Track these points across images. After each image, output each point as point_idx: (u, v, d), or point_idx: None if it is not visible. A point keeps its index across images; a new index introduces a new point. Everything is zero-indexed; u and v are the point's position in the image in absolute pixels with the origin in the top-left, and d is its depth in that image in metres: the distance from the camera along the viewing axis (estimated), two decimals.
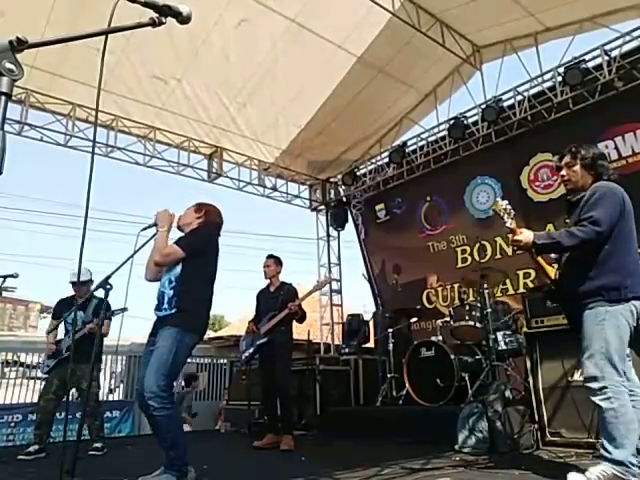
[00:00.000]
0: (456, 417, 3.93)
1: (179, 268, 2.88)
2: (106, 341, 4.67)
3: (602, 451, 2.31)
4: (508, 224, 2.54)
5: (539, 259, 2.67)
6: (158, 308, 2.89)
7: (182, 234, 3.07)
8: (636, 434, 2.27)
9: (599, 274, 2.43)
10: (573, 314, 2.58)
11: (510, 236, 2.56)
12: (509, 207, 2.56)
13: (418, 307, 6.69)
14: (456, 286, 7.04)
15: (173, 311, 2.81)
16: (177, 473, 2.60)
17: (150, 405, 2.58)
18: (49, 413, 4.43)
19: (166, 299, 2.85)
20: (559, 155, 2.72)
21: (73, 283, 4.58)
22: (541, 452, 3.54)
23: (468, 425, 3.83)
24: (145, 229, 2.93)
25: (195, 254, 2.88)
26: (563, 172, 2.66)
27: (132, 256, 2.77)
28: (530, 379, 3.83)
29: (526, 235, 2.50)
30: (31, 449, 4.22)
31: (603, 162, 2.62)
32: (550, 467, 2.92)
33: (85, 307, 4.52)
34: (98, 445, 4.42)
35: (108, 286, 2.64)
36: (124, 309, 4.20)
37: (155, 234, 2.93)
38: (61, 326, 4.61)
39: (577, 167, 2.60)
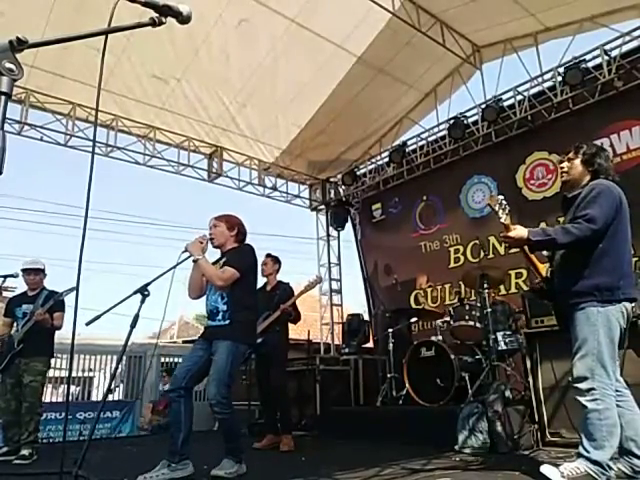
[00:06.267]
0: (456, 417, 3.93)
1: None
2: (108, 341, 4.59)
3: (580, 449, 2.32)
4: (502, 219, 2.49)
5: (532, 256, 2.65)
6: (212, 319, 3.24)
7: (220, 252, 3.38)
8: (617, 438, 2.27)
9: (593, 273, 2.41)
10: (563, 313, 2.56)
11: (503, 232, 2.52)
12: (504, 202, 2.52)
13: (418, 307, 6.68)
14: (447, 286, 7.06)
15: (227, 322, 3.16)
16: (235, 458, 3.04)
17: (214, 410, 2.99)
18: (12, 413, 4.26)
19: (220, 313, 3.20)
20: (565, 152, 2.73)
21: (25, 270, 4.43)
22: (541, 452, 3.55)
23: (468, 425, 3.83)
24: (183, 252, 3.19)
25: (246, 272, 3.23)
26: (563, 164, 2.67)
27: (174, 267, 3.04)
28: (530, 379, 3.84)
29: (519, 232, 2.46)
30: (25, 452, 4.08)
31: (603, 161, 2.59)
32: None
33: (35, 300, 4.38)
34: (25, 452, 4.07)
35: (146, 292, 2.75)
36: (72, 289, 4.15)
37: (188, 257, 3.18)
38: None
39: (577, 161, 2.61)
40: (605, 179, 2.55)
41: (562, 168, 2.67)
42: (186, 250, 3.18)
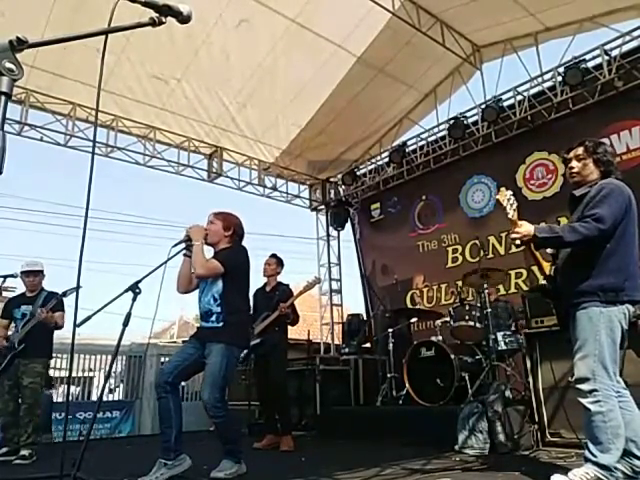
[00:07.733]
0: (456, 417, 3.93)
1: (220, 285, 3.16)
2: (108, 341, 4.58)
3: (587, 453, 2.29)
4: (510, 215, 2.45)
5: (537, 254, 2.61)
6: (205, 320, 3.20)
7: (212, 249, 3.29)
8: (622, 439, 2.25)
9: (598, 273, 2.38)
10: (564, 312, 2.54)
11: (510, 228, 2.48)
12: (513, 198, 2.47)
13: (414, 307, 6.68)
14: (443, 286, 7.07)
15: (220, 324, 3.13)
16: (234, 459, 3.06)
17: (208, 413, 2.99)
18: (10, 414, 4.25)
19: (214, 315, 3.16)
20: (567, 149, 2.66)
21: (24, 273, 4.42)
22: (541, 452, 3.54)
23: (468, 425, 3.83)
24: (177, 244, 3.13)
25: (233, 271, 3.15)
26: (573, 164, 2.59)
27: (165, 263, 2.97)
28: (530, 379, 3.83)
29: (526, 228, 2.42)
30: (25, 453, 4.07)
31: (613, 160, 2.58)
32: (550, 468, 2.92)
33: (34, 301, 4.38)
34: (25, 453, 4.05)
35: (137, 290, 2.72)
36: (75, 288, 4.13)
37: (183, 249, 3.16)
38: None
39: (589, 161, 2.55)
40: (615, 178, 2.51)
41: (572, 168, 2.59)
42: (187, 236, 3.13)
